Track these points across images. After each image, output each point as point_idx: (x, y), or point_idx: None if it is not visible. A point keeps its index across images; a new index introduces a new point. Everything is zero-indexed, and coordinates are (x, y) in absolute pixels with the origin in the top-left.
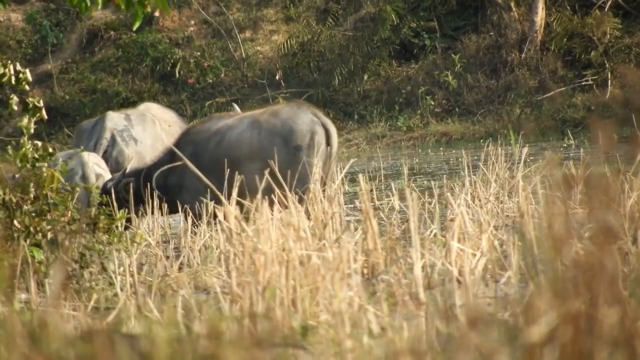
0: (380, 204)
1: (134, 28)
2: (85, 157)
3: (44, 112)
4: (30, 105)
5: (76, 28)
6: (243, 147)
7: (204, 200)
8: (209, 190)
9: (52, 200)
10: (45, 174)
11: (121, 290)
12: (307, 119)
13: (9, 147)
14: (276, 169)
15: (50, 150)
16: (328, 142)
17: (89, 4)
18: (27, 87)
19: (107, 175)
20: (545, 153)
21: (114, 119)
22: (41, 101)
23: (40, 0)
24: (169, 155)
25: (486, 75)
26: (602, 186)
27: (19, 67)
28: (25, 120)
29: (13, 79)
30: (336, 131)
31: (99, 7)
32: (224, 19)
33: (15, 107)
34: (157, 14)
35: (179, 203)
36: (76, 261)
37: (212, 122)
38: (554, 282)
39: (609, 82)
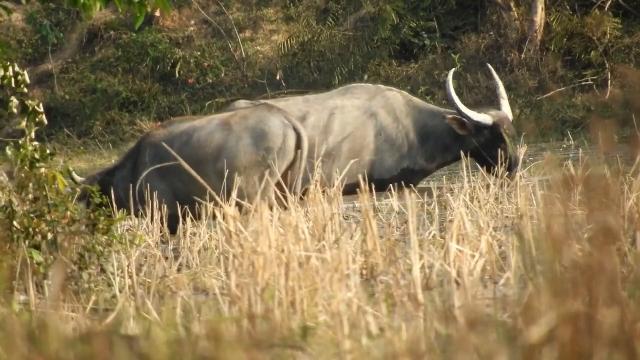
0: (380, 204)
1: (136, 27)
2: None
3: (44, 117)
4: (30, 109)
5: (76, 28)
6: (212, 147)
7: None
8: (172, 193)
9: (51, 201)
10: (45, 175)
11: (120, 291)
12: (278, 122)
13: (7, 147)
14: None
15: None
16: (299, 146)
17: (93, 5)
18: (25, 90)
19: None
20: (544, 153)
21: (235, 108)
22: (41, 105)
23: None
24: (127, 160)
25: (486, 75)
26: (601, 187)
27: (17, 69)
28: (23, 123)
29: (13, 81)
30: (306, 135)
31: (97, 9)
32: (223, 19)
33: (15, 110)
34: (157, 13)
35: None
36: (75, 262)
37: (174, 125)
38: (553, 283)
39: (609, 82)
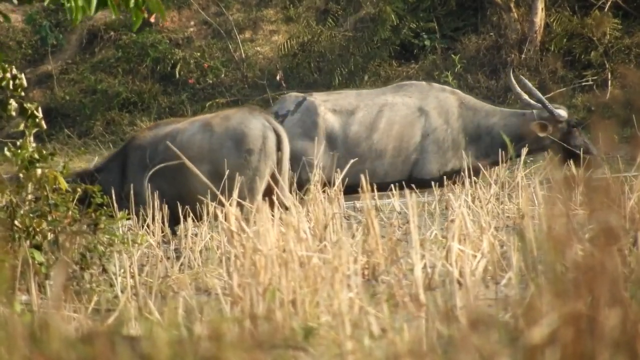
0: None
1: (134, 30)
2: None
3: (43, 122)
4: (29, 112)
5: (76, 29)
6: (193, 149)
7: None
8: (159, 195)
9: (52, 201)
10: (46, 175)
11: (122, 291)
12: (259, 124)
13: (6, 148)
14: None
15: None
16: (279, 148)
17: (86, 10)
18: (22, 93)
19: None
20: (545, 154)
21: (285, 101)
22: (39, 108)
23: (40, 0)
24: (113, 162)
25: (486, 76)
26: (602, 187)
27: (15, 72)
28: (22, 125)
29: (11, 83)
30: (287, 137)
31: (81, 17)
32: (223, 20)
33: (14, 113)
34: (152, 19)
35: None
36: (77, 262)
37: (160, 127)
38: (555, 283)
39: (609, 82)
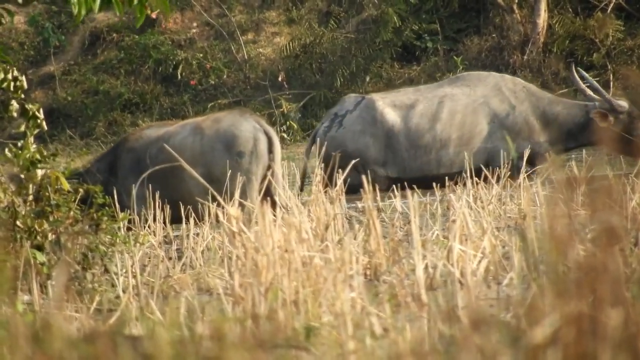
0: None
1: (137, 26)
2: None
3: (44, 123)
4: (30, 114)
5: (78, 30)
6: (185, 152)
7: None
8: (148, 196)
9: (54, 202)
10: (48, 176)
11: (124, 291)
12: (249, 126)
13: (7, 149)
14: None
15: (46, 153)
16: (270, 150)
17: (91, 4)
18: (22, 95)
19: None
20: (547, 154)
21: (344, 102)
22: (41, 110)
23: (43, 2)
24: (102, 163)
25: None
26: (604, 188)
27: (15, 73)
28: (23, 126)
29: (12, 85)
30: (278, 139)
31: (96, 9)
32: (226, 21)
33: (15, 114)
34: (153, 16)
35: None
36: (78, 263)
37: (152, 129)
38: (557, 283)
39: (611, 84)
